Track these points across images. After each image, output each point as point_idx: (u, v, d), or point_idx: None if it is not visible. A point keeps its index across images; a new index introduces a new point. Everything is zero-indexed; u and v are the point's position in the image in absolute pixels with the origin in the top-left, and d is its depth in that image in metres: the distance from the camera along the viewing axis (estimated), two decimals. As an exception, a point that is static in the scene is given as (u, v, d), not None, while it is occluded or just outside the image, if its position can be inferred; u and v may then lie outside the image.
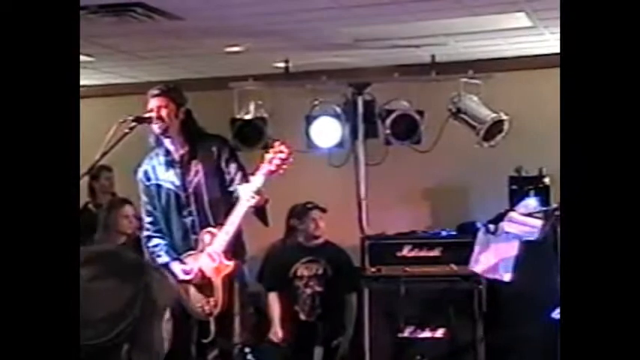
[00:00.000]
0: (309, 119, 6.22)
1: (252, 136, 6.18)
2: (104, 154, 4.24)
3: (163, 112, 4.42)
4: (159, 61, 6.50)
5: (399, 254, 5.84)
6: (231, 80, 6.38)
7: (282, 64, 6.37)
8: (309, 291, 5.89)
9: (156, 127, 4.46)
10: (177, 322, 4.42)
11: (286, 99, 6.31)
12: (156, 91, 4.46)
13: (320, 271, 5.91)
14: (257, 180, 4.32)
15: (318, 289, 5.88)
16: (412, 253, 5.82)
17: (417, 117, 6.05)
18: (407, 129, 6.06)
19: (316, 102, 6.24)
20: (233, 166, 4.52)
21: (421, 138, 6.06)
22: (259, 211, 4.46)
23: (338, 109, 6.21)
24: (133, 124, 4.34)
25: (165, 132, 4.47)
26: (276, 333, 5.81)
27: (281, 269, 5.94)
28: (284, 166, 4.35)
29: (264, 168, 4.33)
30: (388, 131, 6.08)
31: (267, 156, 4.36)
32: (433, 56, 6.12)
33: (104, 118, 4.44)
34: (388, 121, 6.08)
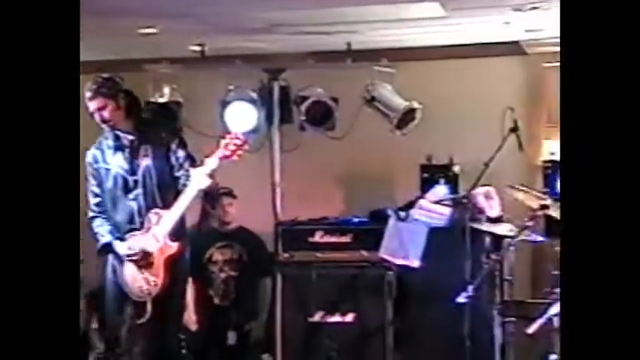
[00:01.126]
0: (224, 104, 6.17)
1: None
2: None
3: (105, 114, 4.52)
4: (71, 42, 6.36)
5: (311, 240, 5.86)
6: (146, 62, 6.30)
7: (197, 48, 6.31)
8: (223, 275, 5.90)
9: (104, 126, 4.56)
10: (112, 302, 4.56)
11: (201, 83, 6.26)
12: (89, 93, 4.50)
13: (234, 256, 5.92)
14: (211, 163, 4.42)
15: (232, 273, 5.89)
16: (324, 239, 5.85)
17: (332, 104, 6.09)
18: (321, 115, 6.10)
19: (231, 87, 6.21)
20: (181, 153, 4.60)
21: (335, 125, 6.11)
22: (208, 195, 4.53)
23: (253, 95, 6.18)
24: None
25: (114, 127, 4.57)
26: (190, 317, 5.80)
27: (196, 254, 5.91)
28: (239, 152, 4.46)
29: (220, 152, 4.42)
30: (303, 117, 6.10)
31: (223, 141, 4.48)
32: (349, 44, 6.14)
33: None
34: (303, 108, 6.10)
